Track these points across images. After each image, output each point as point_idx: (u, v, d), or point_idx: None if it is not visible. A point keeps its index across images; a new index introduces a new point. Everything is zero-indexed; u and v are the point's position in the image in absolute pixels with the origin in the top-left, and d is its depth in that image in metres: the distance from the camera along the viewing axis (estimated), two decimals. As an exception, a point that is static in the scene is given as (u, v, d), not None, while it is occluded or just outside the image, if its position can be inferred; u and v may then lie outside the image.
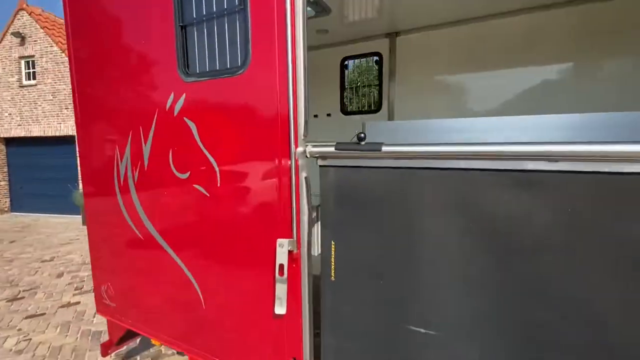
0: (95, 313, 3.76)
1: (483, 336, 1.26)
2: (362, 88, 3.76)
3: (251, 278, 1.67)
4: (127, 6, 1.96)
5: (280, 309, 1.52)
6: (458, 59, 3.13)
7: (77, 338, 3.31)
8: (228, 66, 1.63)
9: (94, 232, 2.46)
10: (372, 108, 3.64)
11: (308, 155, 1.49)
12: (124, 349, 2.93)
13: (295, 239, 1.50)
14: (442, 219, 1.30)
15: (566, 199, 1.08)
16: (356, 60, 3.64)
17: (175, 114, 1.82)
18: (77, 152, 2.48)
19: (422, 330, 1.37)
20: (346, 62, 3.67)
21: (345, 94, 3.75)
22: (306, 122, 1.46)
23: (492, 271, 1.22)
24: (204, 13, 1.68)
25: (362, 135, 1.38)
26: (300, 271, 1.54)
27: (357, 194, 1.46)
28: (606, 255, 1.05)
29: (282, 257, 1.49)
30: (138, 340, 2.97)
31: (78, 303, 4.06)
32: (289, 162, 1.47)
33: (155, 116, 1.91)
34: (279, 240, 1.50)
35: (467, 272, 1.27)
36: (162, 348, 3.18)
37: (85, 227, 8.36)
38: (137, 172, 2.07)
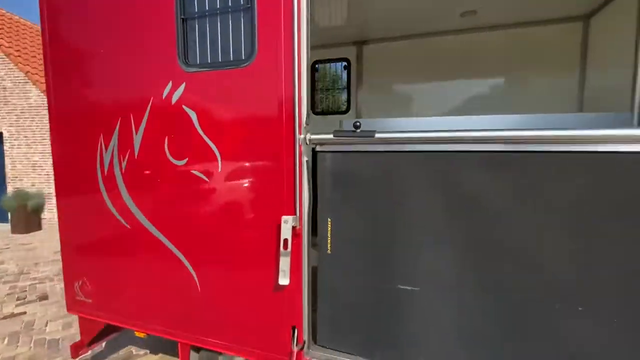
0: (48, 322, 3.49)
1: (458, 287, 1.56)
2: (331, 90, 4.03)
3: (254, 254, 1.80)
4: None
5: (284, 280, 1.68)
6: (416, 68, 3.57)
7: (30, 347, 3.03)
8: (232, 59, 1.76)
9: (68, 227, 2.35)
10: (341, 109, 3.92)
11: (307, 142, 1.68)
12: (88, 354, 2.78)
13: (298, 215, 1.67)
14: (424, 194, 1.59)
15: (520, 172, 1.43)
16: (327, 65, 3.92)
17: (173, 102, 1.88)
18: (52, 149, 2.33)
19: (409, 288, 1.63)
20: (317, 66, 3.92)
21: (315, 95, 3.99)
22: (307, 113, 1.66)
23: (466, 235, 1.53)
24: (207, 7, 1.79)
25: (358, 123, 1.62)
26: (301, 245, 1.72)
27: (351, 176, 1.69)
28: (547, 215, 1.42)
29: (286, 232, 1.66)
30: (104, 344, 2.84)
31: (24, 313, 3.68)
32: (294, 148, 1.65)
33: (150, 105, 1.95)
34: (284, 217, 1.67)
35: (445, 238, 1.57)
36: (133, 349, 3.08)
37: (14, 235, 7.39)
38: (125, 162, 2.06)
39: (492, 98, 3.38)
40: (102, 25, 2.03)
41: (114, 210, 2.14)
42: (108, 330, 2.58)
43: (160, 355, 3.01)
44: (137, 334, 2.31)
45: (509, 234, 1.47)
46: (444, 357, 1.60)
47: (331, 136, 1.66)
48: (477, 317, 1.53)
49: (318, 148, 1.71)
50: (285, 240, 1.67)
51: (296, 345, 1.77)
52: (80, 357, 2.56)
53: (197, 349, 2.15)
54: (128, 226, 2.11)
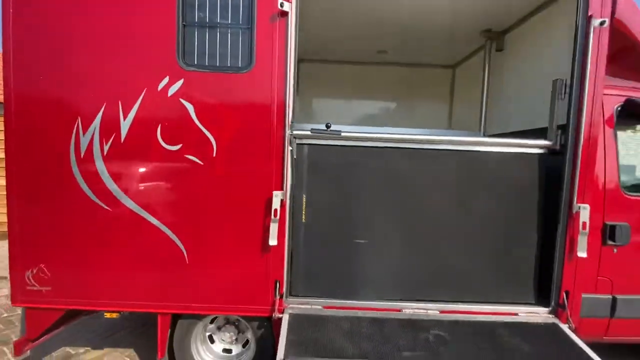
0: None
1: (392, 236, 2.34)
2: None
3: (245, 224, 2.21)
4: None
5: (273, 241, 2.15)
6: (337, 87, 4.47)
7: None
8: (230, 65, 2.16)
9: (22, 214, 2.21)
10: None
11: (292, 136, 2.23)
12: (27, 353, 2.55)
13: (284, 191, 2.18)
14: (371, 175, 2.33)
15: (437, 162, 2.31)
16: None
17: (170, 95, 2.15)
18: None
19: (363, 241, 2.34)
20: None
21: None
22: (293, 112, 2.20)
23: (403, 204, 2.33)
24: (207, 20, 2.15)
25: (329, 124, 2.26)
26: (285, 214, 2.22)
27: (321, 163, 2.31)
28: (437, 185, 2.33)
29: (276, 204, 2.14)
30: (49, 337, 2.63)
31: None
32: (282, 140, 2.17)
33: (142, 94, 2.15)
34: (275, 192, 2.15)
35: (389, 206, 2.33)
36: (69, 349, 2.89)
37: None
38: (108, 145, 2.17)
39: (390, 115, 4.55)
40: (93, 12, 2.13)
41: (89, 193, 2.19)
42: (57, 322, 2.45)
43: (105, 350, 2.93)
44: (107, 315, 2.35)
45: (420, 198, 2.34)
46: (385, 288, 2.35)
47: (309, 132, 2.24)
48: (404, 256, 2.35)
49: (297, 141, 2.27)
50: (275, 210, 2.15)
51: (278, 295, 2.25)
52: (23, 354, 2.36)
53: (176, 317, 2.36)
54: (107, 208, 2.20)
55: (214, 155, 2.18)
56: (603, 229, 2.38)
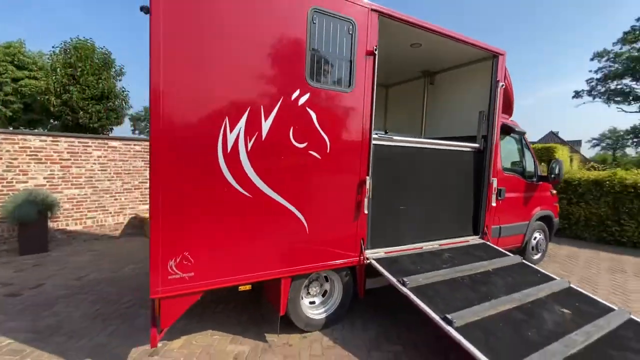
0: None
1: (417, 206, 3.74)
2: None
3: (346, 201, 3.08)
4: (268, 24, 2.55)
5: (366, 210, 3.15)
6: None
7: None
8: (342, 85, 2.96)
9: (167, 206, 2.30)
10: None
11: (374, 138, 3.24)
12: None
13: (369, 176, 3.19)
14: (404, 165, 3.64)
15: (431, 158, 3.82)
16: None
17: (300, 104, 2.76)
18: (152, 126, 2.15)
19: (402, 207, 3.63)
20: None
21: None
22: (373, 121, 3.22)
23: (417, 182, 3.74)
24: (329, 49, 2.87)
25: (386, 131, 3.41)
26: (367, 192, 3.24)
27: (384, 158, 3.43)
28: (427, 171, 3.89)
29: (368, 185, 3.14)
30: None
31: None
32: (369, 140, 3.16)
33: (280, 102, 2.67)
34: (367, 177, 3.14)
35: (411, 184, 3.69)
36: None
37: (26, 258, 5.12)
38: (251, 142, 2.58)
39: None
40: (246, 35, 2.46)
41: (233, 182, 2.54)
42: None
43: (192, 334, 3.05)
44: (241, 288, 2.71)
45: (424, 178, 3.83)
46: (413, 236, 3.72)
47: (377, 135, 3.32)
48: (420, 215, 3.79)
49: (374, 142, 3.29)
50: (367, 189, 3.15)
51: (363, 248, 3.25)
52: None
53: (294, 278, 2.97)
54: (248, 194, 2.61)
55: (328, 151, 2.95)
56: (497, 191, 4.55)
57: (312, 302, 3.32)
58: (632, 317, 2.88)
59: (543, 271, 3.61)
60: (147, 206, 7.25)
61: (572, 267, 5.59)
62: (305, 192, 2.89)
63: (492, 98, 4.20)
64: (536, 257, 5.53)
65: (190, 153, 2.39)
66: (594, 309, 2.95)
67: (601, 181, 7.15)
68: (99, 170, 6.61)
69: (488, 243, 4.20)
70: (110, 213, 6.82)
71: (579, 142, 44.42)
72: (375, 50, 3.09)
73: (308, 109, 2.82)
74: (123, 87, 11.61)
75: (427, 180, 3.87)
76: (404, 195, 3.66)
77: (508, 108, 4.85)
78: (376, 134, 3.32)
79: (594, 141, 55.03)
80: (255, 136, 2.60)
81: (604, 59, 34.75)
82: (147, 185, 7.16)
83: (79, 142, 6.35)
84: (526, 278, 3.39)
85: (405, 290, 2.85)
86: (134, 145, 7.09)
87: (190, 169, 2.40)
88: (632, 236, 6.80)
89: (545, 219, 5.51)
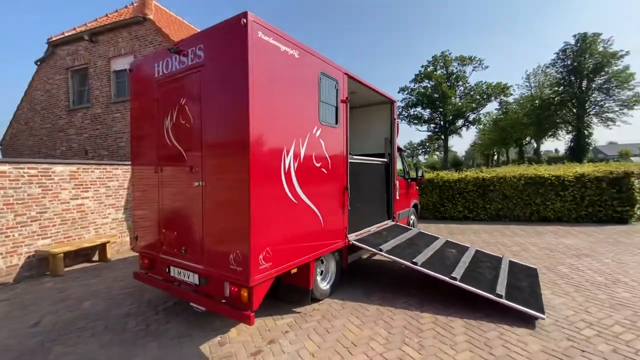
0: None
1: (365, 203, 5.47)
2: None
3: (338, 200, 4.47)
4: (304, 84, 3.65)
5: (347, 207, 4.62)
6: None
7: None
8: (333, 123, 4.34)
9: (257, 213, 3.08)
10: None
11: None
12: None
13: (347, 184, 4.69)
14: (358, 175, 5.34)
15: (366, 169, 5.68)
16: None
17: (316, 136, 4.00)
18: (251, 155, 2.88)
19: (358, 204, 5.29)
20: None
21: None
22: (348, 146, 4.74)
23: (363, 185, 5.50)
24: (326, 100, 4.19)
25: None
26: (347, 195, 4.72)
27: (350, 171, 5.01)
28: (366, 179, 5.78)
29: (348, 190, 4.63)
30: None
31: None
32: (347, 159, 4.67)
33: (308, 135, 3.84)
34: (347, 185, 4.62)
35: (360, 187, 5.42)
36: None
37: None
38: (296, 163, 3.64)
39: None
40: (292, 90, 3.51)
41: (289, 193, 3.53)
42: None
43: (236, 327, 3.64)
44: (292, 272, 3.63)
45: (364, 182, 5.66)
46: (365, 222, 5.43)
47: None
48: (365, 209, 5.57)
49: (348, 159, 4.80)
50: (347, 193, 4.63)
51: (347, 234, 4.70)
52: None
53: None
54: (295, 201, 3.64)
55: (329, 168, 4.27)
56: (397, 189, 6.86)
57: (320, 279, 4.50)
58: (477, 249, 5.52)
59: (432, 234, 6.03)
60: (49, 240, 6.14)
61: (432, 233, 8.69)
62: (319, 197, 4.11)
63: (392, 129, 6.47)
64: (412, 232, 8.34)
65: (269, 173, 3.26)
66: (461, 248, 5.44)
67: (432, 179, 11.07)
68: (-19, 202, 5.24)
69: (398, 223, 6.40)
70: (1, 254, 5.46)
71: (394, 152, 58.74)
72: (347, 99, 4.66)
73: (320, 140, 4.08)
74: None
75: (366, 184, 5.67)
76: (358, 195, 5.32)
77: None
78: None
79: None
80: (298, 159, 3.67)
81: (406, 92, 47.48)
82: (47, 215, 6.12)
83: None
84: (428, 239, 5.67)
85: (384, 253, 4.49)
86: (28, 169, 5.91)
87: (270, 185, 3.27)
88: (450, 213, 10.89)
89: (415, 206, 8.41)
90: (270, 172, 3.29)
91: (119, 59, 9.77)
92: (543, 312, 3.61)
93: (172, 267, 3.87)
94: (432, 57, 47.58)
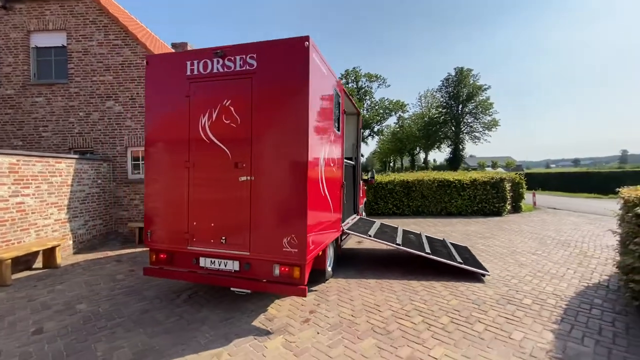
0: None
1: (346, 198, 6.44)
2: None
3: (339, 194, 5.31)
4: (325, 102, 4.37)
5: (343, 200, 5.50)
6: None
7: None
8: (338, 130, 5.16)
9: (311, 205, 3.68)
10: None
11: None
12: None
13: (344, 181, 5.57)
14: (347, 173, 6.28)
15: (345, 171, 6.68)
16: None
17: (332, 141, 4.78)
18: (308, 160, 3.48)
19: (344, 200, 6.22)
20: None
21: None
22: (344, 148, 5.62)
23: (348, 182, 6.48)
24: (336, 112, 5.00)
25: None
26: (343, 190, 5.60)
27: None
28: (347, 180, 6.80)
29: (344, 186, 5.51)
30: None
31: None
32: (343, 160, 5.56)
33: (329, 139, 4.59)
34: (343, 182, 5.50)
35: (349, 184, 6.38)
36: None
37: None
38: (324, 163, 4.36)
39: None
40: (327, 105, 4.21)
41: (321, 189, 4.23)
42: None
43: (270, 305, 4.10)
44: (319, 254, 4.30)
45: (345, 182, 6.67)
46: (345, 214, 6.38)
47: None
48: (347, 203, 6.54)
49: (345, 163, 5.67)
50: (344, 188, 5.53)
51: (342, 224, 5.57)
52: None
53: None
54: (323, 195, 4.34)
55: (336, 167, 5.09)
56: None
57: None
58: (426, 234, 7.08)
59: (391, 224, 7.38)
60: (-13, 245, 5.15)
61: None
62: (331, 191, 4.88)
63: (358, 136, 7.62)
64: (361, 225, 9.69)
65: (315, 173, 3.91)
66: (416, 234, 6.92)
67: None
68: None
69: (363, 217, 7.57)
70: None
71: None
72: (345, 110, 5.56)
73: (333, 144, 4.87)
74: None
75: (346, 182, 6.63)
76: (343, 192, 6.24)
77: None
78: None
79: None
80: (325, 161, 4.39)
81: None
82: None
83: None
84: (391, 228, 6.96)
85: (372, 238, 5.53)
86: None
87: (315, 183, 3.92)
88: (382, 210, 12.77)
89: (366, 203, 9.77)
90: (314, 172, 3.95)
91: (43, 34, 8.26)
92: (487, 271, 5.21)
93: (203, 258, 4.06)
94: (345, 70, 52.26)
